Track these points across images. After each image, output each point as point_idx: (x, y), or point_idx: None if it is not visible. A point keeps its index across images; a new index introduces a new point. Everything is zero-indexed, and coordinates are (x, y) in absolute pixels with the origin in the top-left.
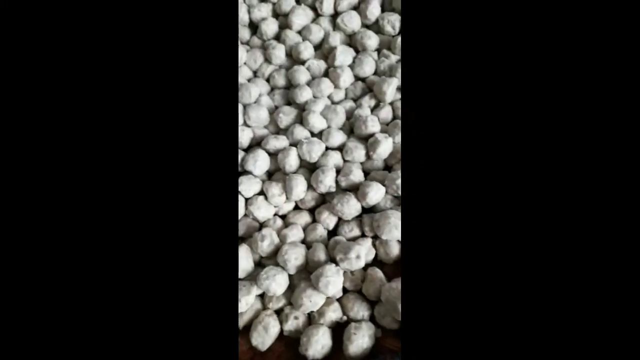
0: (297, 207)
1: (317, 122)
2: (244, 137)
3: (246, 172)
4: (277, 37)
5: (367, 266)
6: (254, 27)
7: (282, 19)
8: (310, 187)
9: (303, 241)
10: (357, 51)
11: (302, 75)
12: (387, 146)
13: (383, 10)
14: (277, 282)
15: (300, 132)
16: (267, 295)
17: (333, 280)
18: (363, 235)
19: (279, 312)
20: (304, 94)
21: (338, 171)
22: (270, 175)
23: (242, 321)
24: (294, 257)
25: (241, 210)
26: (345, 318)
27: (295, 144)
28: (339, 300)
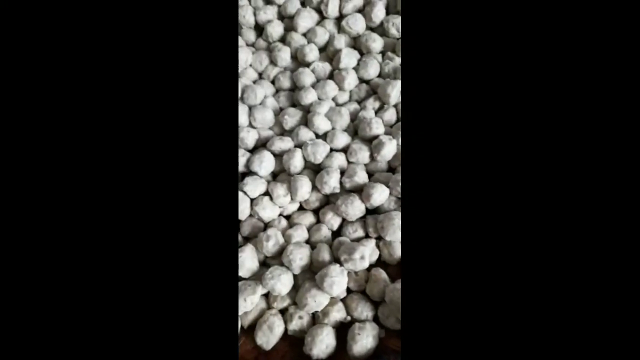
0: (301, 208)
1: (321, 123)
2: (250, 138)
3: (251, 173)
4: (283, 40)
5: (370, 267)
6: (259, 29)
7: (288, 21)
8: (314, 188)
9: (307, 241)
10: (361, 54)
11: (307, 77)
12: (391, 148)
13: (388, 13)
14: (282, 282)
15: (305, 134)
16: (272, 294)
17: (338, 281)
18: (367, 236)
19: (283, 312)
20: (309, 96)
21: (342, 172)
22: (275, 176)
23: (246, 320)
24: (299, 257)
25: (246, 211)
26: (349, 318)
27: (300, 145)
28: (342, 300)
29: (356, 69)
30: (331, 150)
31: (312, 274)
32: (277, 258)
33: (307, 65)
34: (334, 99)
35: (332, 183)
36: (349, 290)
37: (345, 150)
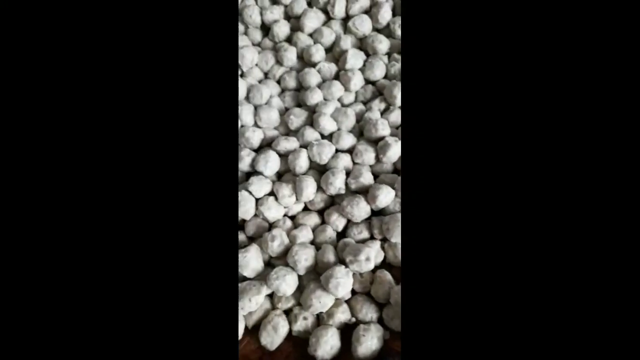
0: (306, 208)
1: (327, 124)
2: (255, 137)
3: (257, 173)
4: (289, 40)
5: (375, 269)
6: (265, 29)
7: (294, 21)
8: (319, 188)
9: (312, 242)
10: (367, 55)
11: (313, 77)
12: (397, 149)
13: (394, 14)
14: (287, 283)
15: (311, 134)
16: (277, 295)
17: (343, 282)
18: (372, 238)
19: (287, 313)
20: (314, 96)
21: (347, 173)
22: (280, 176)
23: (251, 320)
24: (304, 258)
25: (251, 211)
26: (353, 320)
27: (305, 145)
28: (347, 301)
29: (362, 70)
30: (337, 151)
31: (316, 275)
32: (282, 258)
33: (313, 65)
34: (339, 100)
35: (337, 184)
36: (353, 292)
37: (350, 151)
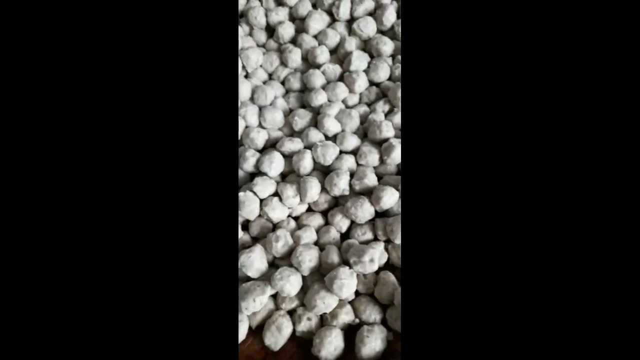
0: (310, 209)
1: (331, 125)
2: (260, 138)
3: (261, 173)
4: (294, 41)
5: (379, 270)
6: (270, 30)
7: (299, 23)
8: (323, 189)
9: (316, 243)
10: (372, 56)
11: (317, 79)
12: (401, 151)
13: (398, 16)
14: (291, 283)
15: (315, 135)
16: (281, 295)
17: (347, 283)
18: (376, 239)
19: (291, 313)
20: (319, 98)
21: (351, 175)
22: (283, 176)
23: (255, 321)
24: (308, 258)
25: (256, 211)
26: (357, 321)
27: (309, 146)
28: (351, 303)
29: (366, 71)
30: (341, 152)
31: (320, 276)
32: (286, 259)
33: (318, 67)
34: (343, 101)
35: (341, 185)
36: (357, 293)
37: (354, 152)
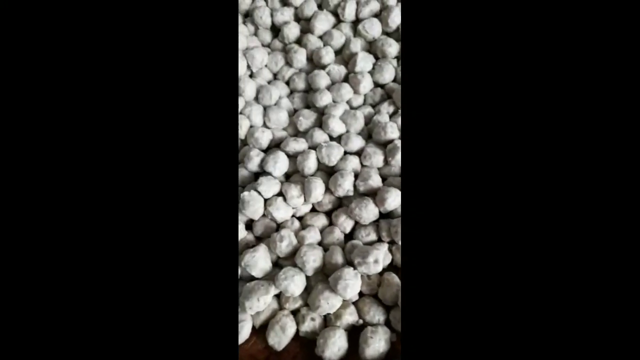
0: (314, 210)
1: (336, 126)
2: (264, 138)
3: (265, 173)
4: (299, 41)
5: (383, 271)
6: (276, 30)
7: (304, 23)
8: (327, 190)
9: (320, 243)
10: (377, 58)
11: (322, 79)
12: None
13: None
14: (295, 283)
15: (320, 136)
16: (284, 295)
17: (352, 284)
18: (379, 240)
19: (295, 313)
20: (324, 98)
21: (356, 176)
22: (288, 176)
23: (259, 320)
24: (312, 258)
25: (260, 211)
26: (361, 322)
27: (314, 147)
28: (354, 303)
29: (371, 72)
30: (345, 153)
31: (324, 276)
32: (290, 259)
33: (323, 67)
34: (348, 102)
35: (346, 186)
36: (361, 294)
37: (359, 153)
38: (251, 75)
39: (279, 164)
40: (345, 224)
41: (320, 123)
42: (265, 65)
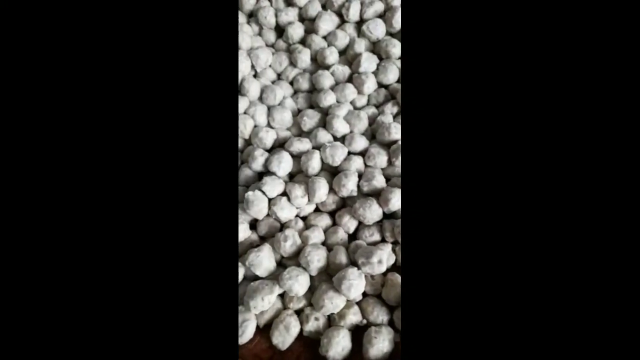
0: (317, 210)
1: (340, 126)
2: (268, 138)
3: (269, 173)
4: (303, 42)
5: (386, 271)
6: (280, 30)
7: (308, 23)
8: (331, 190)
9: (323, 243)
10: (381, 58)
11: (326, 80)
12: None
13: None
14: (299, 283)
15: (324, 136)
16: (288, 295)
17: (355, 284)
18: (383, 241)
19: (298, 313)
20: (328, 99)
21: (359, 176)
22: (291, 176)
23: (263, 319)
24: (317, 258)
25: (264, 210)
26: (365, 322)
27: (318, 147)
28: (358, 303)
29: (375, 73)
30: (349, 153)
31: (327, 276)
32: (294, 259)
33: (327, 68)
34: (352, 103)
35: (350, 186)
36: (364, 294)
37: (363, 153)
38: (255, 75)
39: (283, 164)
40: (349, 224)
41: (324, 123)
42: (270, 65)
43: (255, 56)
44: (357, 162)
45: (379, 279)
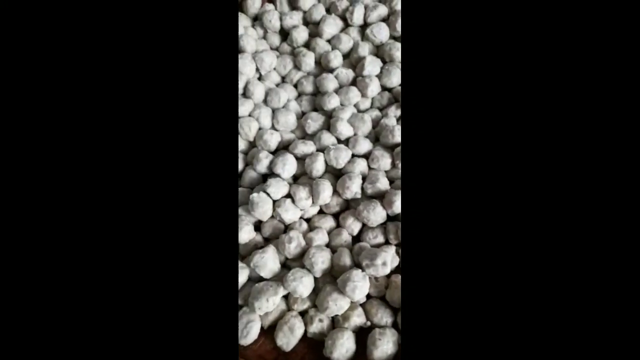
0: (321, 212)
1: (344, 129)
2: (273, 140)
3: (274, 175)
4: (307, 45)
5: (390, 273)
6: (284, 34)
7: (313, 27)
8: (335, 192)
9: (327, 245)
10: (384, 62)
11: (330, 83)
12: None
13: None
14: (303, 284)
15: (328, 139)
16: (293, 296)
17: (360, 286)
18: (387, 243)
19: (302, 314)
20: (331, 101)
21: (363, 178)
22: (295, 178)
23: (267, 321)
24: (321, 260)
25: (269, 212)
26: (369, 323)
27: (322, 149)
28: (362, 305)
29: (379, 76)
30: (353, 155)
31: (331, 278)
32: (298, 260)
33: (331, 71)
34: (356, 106)
35: (354, 188)
36: (368, 296)
37: (366, 156)
38: (260, 78)
39: (288, 166)
40: (353, 226)
41: (328, 126)
42: (274, 69)
43: (260, 59)
44: (361, 165)
45: (383, 281)
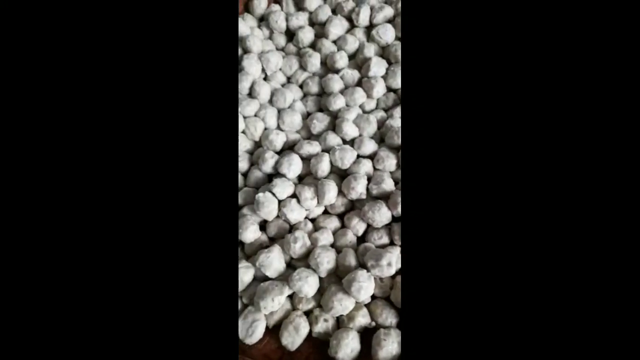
0: (326, 212)
1: (350, 130)
2: (278, 140)
3: (279, 175)
4: (313, 46)
5: (395, 274)
6: (290, 34)
7: (319, 28)
8: (340, 192)
9: (332, 245)
10: (390, 63)
11: (335, 83)
12: None
13: None
14: (309, 284)
15: (333, 139)
16: (298, 296)
17: (365, 286)
18: (392, 243)
19: (307, 314)
20: (337, 102)
21: (368, 179)
22: (300, 179)
23: (272, 320)
24: (326, 260)
25: (274, 212)
26: (373, 324)
27: (327, 150)
28: (367, 306)
29: (384, 77)
30: (358, 156)
31: (336, 278)
32: (303, 260)
33: (337, 71)
34: (361, 106)
35: (359, 189)
36: (373, 297)
37: (372, 157)
38: (266, 78)
39: (293, 166)
40: (357, 226)
41: (333, 126)
42: (280, 69)
43: (266, 60)
44: (366, 165)
45: (388, 281)
